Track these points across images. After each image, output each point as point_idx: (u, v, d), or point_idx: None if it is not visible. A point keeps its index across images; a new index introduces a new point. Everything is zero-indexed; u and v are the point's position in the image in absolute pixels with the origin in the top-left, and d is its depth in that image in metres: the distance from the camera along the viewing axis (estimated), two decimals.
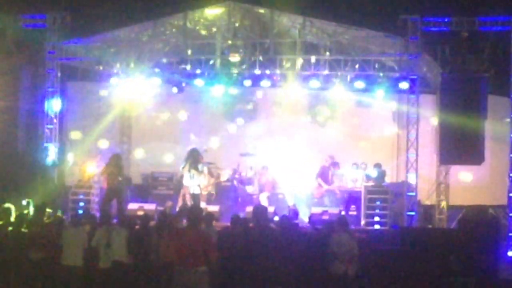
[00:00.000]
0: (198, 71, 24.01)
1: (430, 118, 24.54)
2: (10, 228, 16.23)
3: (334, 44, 23.37)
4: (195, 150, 22.85)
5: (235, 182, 24.27)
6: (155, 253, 15.66)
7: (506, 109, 22.34)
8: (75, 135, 26.21)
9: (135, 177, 26.07)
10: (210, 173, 23.87)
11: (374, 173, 23.19)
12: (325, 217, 21.11)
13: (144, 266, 15.83)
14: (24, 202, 20.42)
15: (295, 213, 18.10)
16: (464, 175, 25.06)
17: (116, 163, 22.20)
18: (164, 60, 24.73)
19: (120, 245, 15.74)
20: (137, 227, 16.73)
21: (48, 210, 18.52)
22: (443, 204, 24.42)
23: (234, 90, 25.68)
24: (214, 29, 24.11)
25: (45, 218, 17.23)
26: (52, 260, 15.75)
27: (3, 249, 15.91)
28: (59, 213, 20.54)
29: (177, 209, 21.99)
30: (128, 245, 15.78)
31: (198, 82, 24.42)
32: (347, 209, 22.83)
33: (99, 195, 23.54)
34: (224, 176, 24.62)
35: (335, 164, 24.14)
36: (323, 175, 23.81)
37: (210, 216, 16.82)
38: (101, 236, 15.90)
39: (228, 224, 16.85)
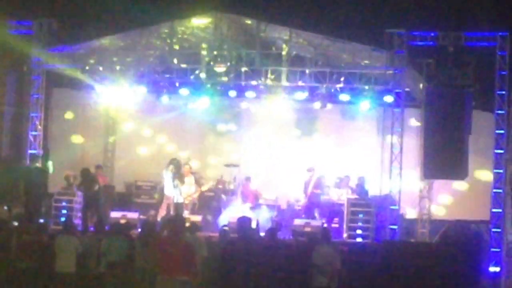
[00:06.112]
0: (183, 81, 24.03)
1: (414, 132, 24.57)
2: None
3: (320, 56, 23.42)
4: (176, 160, 22.81)
5: (218, 192, 24.25)
6: (138, 261, 15.61)
7: (490, 124, 22.41)
8: (59, 142, 26.03)
9: (118, 185, 25.97)
10: (197, 183, 23.81)
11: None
12: (308, 229, 21.07)
13: (129, 274, 15.80)
14: (5, 208, 20.37)
15: (278, 225, 18.08)
16: (447, 190, 25.06)
17: (85, 176, 22.13)
18: (150, 69, 24.67)
19: (117, 253, 15.72)
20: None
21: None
22: (426, 218, 24.45)
23: (219, 101, 25.62)
24: (200, 39, 24.11)
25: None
26: (42, 268, 15.69)
27: None
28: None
29: (159, 218, 21.93)
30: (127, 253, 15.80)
31: (183, 92, 24.44)
32: (330, 221, 22.84)
33: (82, 203, 23.46)
34: (208, 186, 24.55)
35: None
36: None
37: (195, 226, 16.80)
38: (92, 243, 15.91)
39: (211, 234, 16.82)
